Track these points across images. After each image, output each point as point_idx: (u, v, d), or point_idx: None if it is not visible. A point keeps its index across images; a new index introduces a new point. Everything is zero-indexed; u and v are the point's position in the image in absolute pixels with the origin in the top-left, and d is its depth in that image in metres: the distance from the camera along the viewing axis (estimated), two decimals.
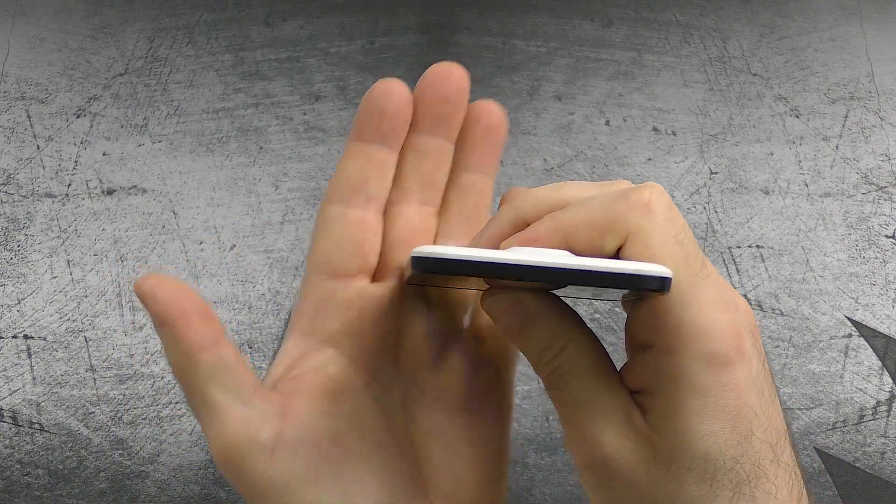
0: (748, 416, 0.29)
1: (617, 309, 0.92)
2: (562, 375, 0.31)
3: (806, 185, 0.96)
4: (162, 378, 0.90)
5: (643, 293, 0.28)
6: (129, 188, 0.94)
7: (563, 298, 0.32)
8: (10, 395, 0.89)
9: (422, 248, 0.27)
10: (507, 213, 0.33)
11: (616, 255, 0.29)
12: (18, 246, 0.92)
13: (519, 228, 0.32)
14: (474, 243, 0.33)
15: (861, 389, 0.92)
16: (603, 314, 0.93)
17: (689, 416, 0.29)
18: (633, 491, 0.30)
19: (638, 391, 0.31)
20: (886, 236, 0.95)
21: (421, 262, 0.27)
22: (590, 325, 0.31)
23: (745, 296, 0.94)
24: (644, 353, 0.30)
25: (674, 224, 0.29)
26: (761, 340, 0.31)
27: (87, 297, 0.91)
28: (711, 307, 0.29)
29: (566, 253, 0.28)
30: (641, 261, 0.28)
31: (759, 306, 0.93)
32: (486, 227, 0.33)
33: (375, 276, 0.35)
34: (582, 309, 0.94)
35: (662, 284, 0.27)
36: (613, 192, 0.30)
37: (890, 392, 0.92)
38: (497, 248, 0.32)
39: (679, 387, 0.29)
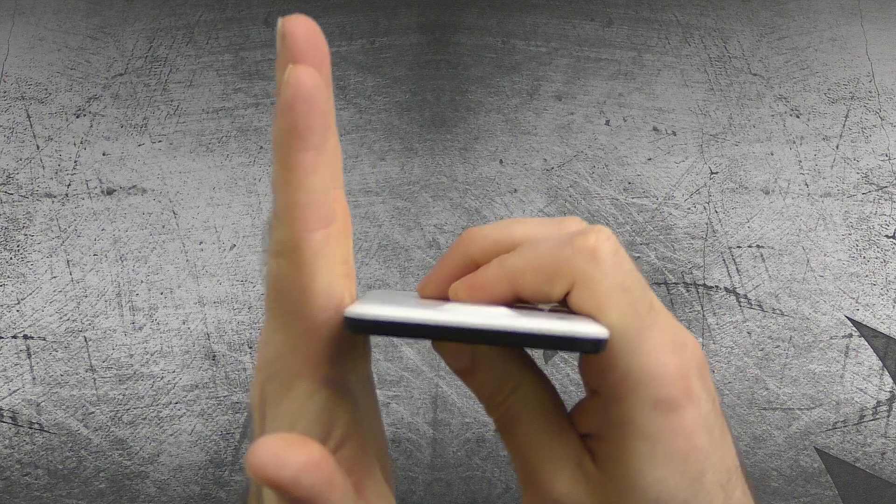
0: (698, 458, 0.29)
1: None
2: (512, 418, 0.31)
3: (806, 185, 0.96)
4: (162, 378, 0.90)
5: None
6: (129, 188, 0.94)
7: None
8: (10, 395, 0.89)
9: (353, 309, 0.26)
10: (456, 254, 0.32)
11: (564, 301, 0.29)
12: (18, 246, 0.92)
13: (469, 270, 0.31)
14: (424, 285, 0.33)
15: (861, 389, 0.92)
16: None
17: (638, 462, 0.29)
18: None
19: (588, 435, 0.31)
20: (887, 236, 0.95)
21: (353, 324, 0.26)
22: None
23: (745, 296, 0.94)
24: (594, 397, 0.30)
25: (620, 270, 0.28)
26: (711, 378, 0.31)
27: (86, 297, 0.91)
28: (658, 352, 0.28)
29: (503, 311, 0.28)
30: (586, 311, 0.28)
31: (760, 306, 0.93)
32: (435, 268, 0.33)
33: None
34: None
35: (596, 346, 0.26)
36: (560, 236, 0.29)
37: (890, 392, 0.92)
38: (445, 291, 0.32)
39: (628, 433, 0.29)
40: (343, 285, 0.27)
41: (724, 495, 0.30)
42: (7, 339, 0.90)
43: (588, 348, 0.26)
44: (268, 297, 0.28)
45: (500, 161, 0.95)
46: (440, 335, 0.26)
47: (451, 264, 0.32)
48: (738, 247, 0.95)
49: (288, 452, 0.25)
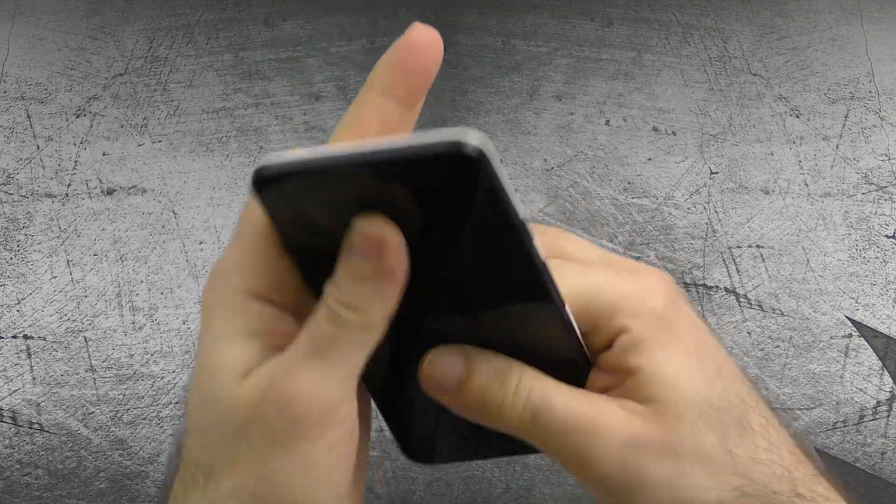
0: (710, 351, 0.30)
1: None
2: (543, 405, 0.29)
3: (806, 185, 0.96)
4: (162, 378, 0.90)
5: (452, 167, 0.25)
6: (129, 188, 0.94)
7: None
8: (10, 395, 0.89)
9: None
10: None
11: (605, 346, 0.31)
12: (18, 246, 0.92)
13: None
14: None
15: (861, 389, 0.92)
16: None
17: (669, 360, 0.29)
18: (658, 483, 0.29)
19: (610, 386, 0.30)
20: (887, 236, 0.95)
21: (254, 178, 0.27)
22: None
23: (745, 296, 0.94)
24: (598, 360, 0.31)
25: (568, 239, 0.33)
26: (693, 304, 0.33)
27: (86, 297, 0.91)
28: (622, 280, 0.31)
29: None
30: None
31: (760, 306, 0.93)
32: None
33: None
34: None
35: (458, 147, 0.24)
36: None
37: (890, 392, 0.92)
38: None
39: (644, 346, 0.30)
40: None
41: (748, 389, 0.31)
42: (7, 339, 0.90)
43: (453, 150, 0.25)
44: (243, 217, 0.30)
45: (500, 161, 0.95)
46: (334, 164, 0.26)
47: None
48: (738, 247, 0.95)
49: None
